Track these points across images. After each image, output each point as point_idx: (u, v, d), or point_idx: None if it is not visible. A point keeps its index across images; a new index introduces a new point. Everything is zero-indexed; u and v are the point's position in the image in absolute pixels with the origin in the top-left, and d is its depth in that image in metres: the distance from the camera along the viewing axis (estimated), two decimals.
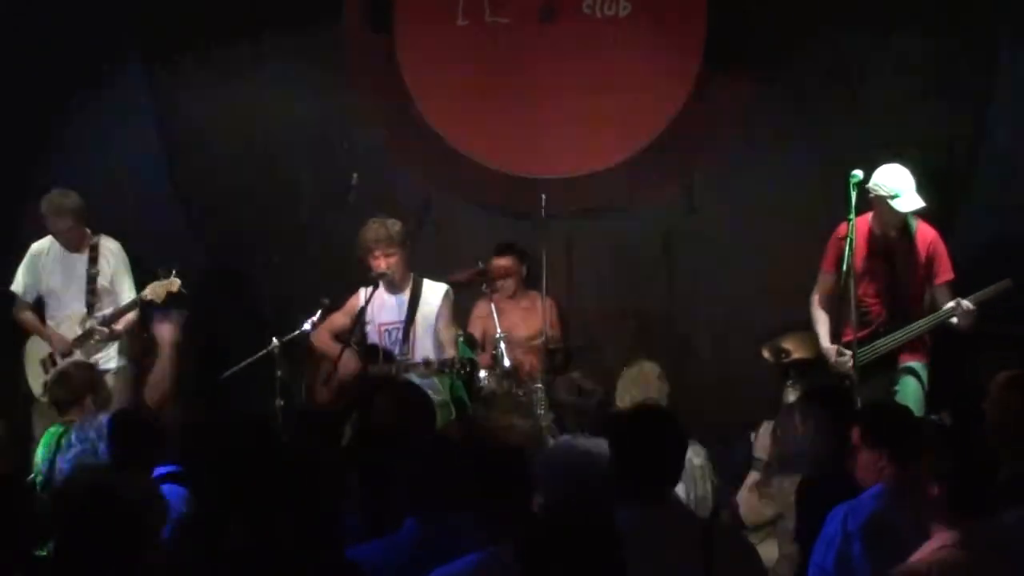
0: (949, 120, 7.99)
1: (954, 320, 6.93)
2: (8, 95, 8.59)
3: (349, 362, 7.38)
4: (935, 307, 7.05)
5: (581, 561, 3.13)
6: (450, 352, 7.46)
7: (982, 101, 7.96)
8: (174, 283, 7.58)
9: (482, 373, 7.54)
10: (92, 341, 7.72)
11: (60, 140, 8.72)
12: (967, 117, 8.00)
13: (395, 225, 7.50)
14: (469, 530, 3.94)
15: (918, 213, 7.04)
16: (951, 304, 6.93)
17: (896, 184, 6.94)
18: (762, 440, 6.20)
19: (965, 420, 6.07)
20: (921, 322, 7.04)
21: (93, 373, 6.76)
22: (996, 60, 7.98)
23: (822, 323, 7.20)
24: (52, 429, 6.14)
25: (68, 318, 7.82)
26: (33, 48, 8.61)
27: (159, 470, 5.03)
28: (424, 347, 7.52)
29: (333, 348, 7.49)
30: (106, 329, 7.71)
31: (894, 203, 6.92)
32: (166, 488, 4.72)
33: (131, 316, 7.80)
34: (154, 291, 7.60)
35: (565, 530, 3.17)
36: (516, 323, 8.10)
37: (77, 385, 6.35)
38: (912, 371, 7.05)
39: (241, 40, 8.78)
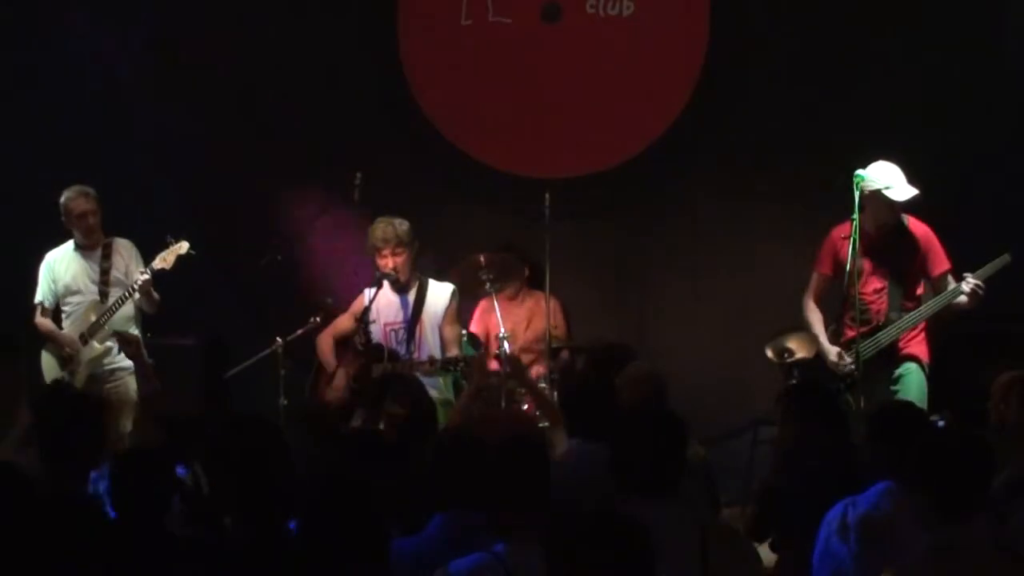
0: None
1: (962, 299, 6.92)
2: None
3: (340, 382, 7.36)
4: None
5: (609, 561, 3.11)
6: (453, 351, 7.46)
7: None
8: (182, 246, 7.50)
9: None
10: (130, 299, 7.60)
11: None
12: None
13: (402, 225, 7.49)
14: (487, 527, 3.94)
15: (910, 211, 7.04)
16: (956, 285, 6.93)
17: (887, 177, 6.98)
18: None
19: (956, 422, 6.06)
20: (925, 306, 7.02)
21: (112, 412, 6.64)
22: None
23: (817, 323, 7.19)
24: None
25: (82, 306, 7.78)
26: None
27: None
28: (430, 346, 7.52)
29: (330, 363, 7.53)
30: (147, 274, 7.52)
31: (888, 193, 6.94)
32: None
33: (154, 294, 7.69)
34: (163, 259, 7.54)
35: (594, 530, 3.15)
36: (519, 324, 8.10)
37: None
38: (913, 369, 7.03)
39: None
